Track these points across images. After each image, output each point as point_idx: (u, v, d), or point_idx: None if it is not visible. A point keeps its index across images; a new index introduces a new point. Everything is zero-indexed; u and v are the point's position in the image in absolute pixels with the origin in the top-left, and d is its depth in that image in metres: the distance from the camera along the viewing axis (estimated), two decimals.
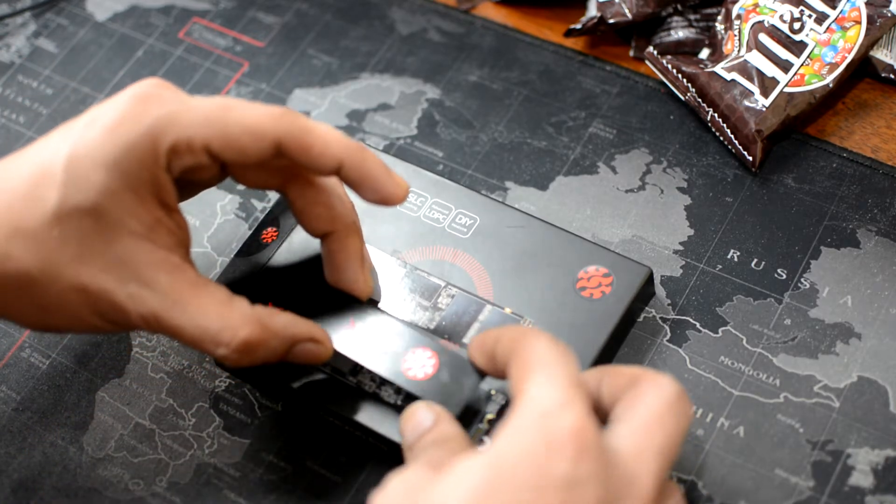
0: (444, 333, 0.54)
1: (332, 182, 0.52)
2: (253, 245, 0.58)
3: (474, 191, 0.59)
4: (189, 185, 0.51)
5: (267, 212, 0.61)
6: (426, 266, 0.57)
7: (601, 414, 0.46)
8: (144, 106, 0.47)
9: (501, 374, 0.48)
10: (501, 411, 0.51)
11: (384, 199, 0.50)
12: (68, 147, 0.47)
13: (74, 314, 0.48)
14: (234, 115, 0.48)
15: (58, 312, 0.48)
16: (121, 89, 0.68)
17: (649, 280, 0.55)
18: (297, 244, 0.57)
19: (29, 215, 0.46)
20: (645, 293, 0.56)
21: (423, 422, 0.48)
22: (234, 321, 0.48)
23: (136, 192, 0.47)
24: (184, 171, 0.48)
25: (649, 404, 0.44)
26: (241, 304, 0.49)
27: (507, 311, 0.55)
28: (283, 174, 0.51)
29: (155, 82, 0.49)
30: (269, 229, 0.59)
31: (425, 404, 0.49)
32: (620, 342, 0.55)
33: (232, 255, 0.60)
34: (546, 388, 0.43)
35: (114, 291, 0.47)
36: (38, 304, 0.48)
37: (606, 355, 0.54)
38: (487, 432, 0.51)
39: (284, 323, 0.50)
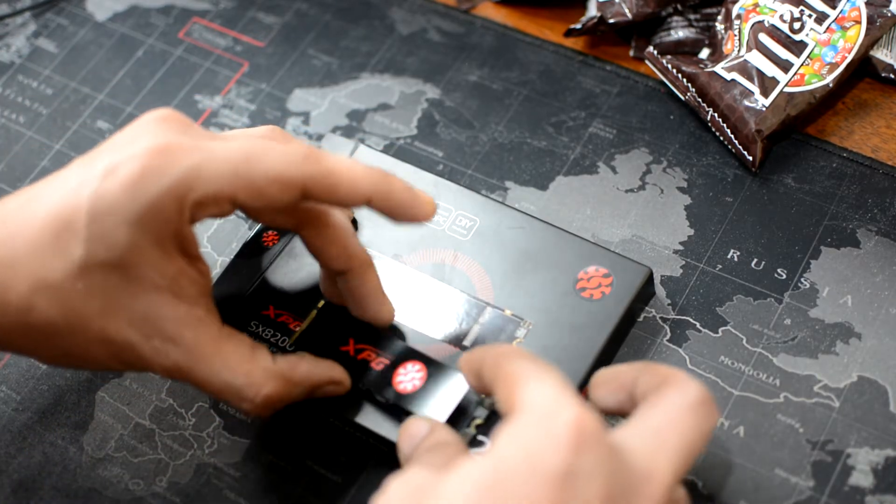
0: (444, 337, 0.54)
1: (346, 222, 0.52)
2: (254, 247, 0.58)
3: (474, 191, 0.59)
4: None
5: None
6: (427, 269, 0.57)
7: (631, 409, 0.47)
8: (166, 159, 0.46)
9: (488, 393, 0.49)
10: (490, 416, 0.51)
11: (414, 221, 0.50)
12: (88, 200, 0.46)
13: (98, 360, 0.48)
14: (259, 165, 0.47)
15: (81, 357, 0.49)
16: (121, 89, 0.69)
17: (649, 280, 0.55)
18: (299, 249, 0.57)
19: (53, 267, 0.46)
20: (645, 293, 0.56)
21: (419, 432, 0.49)
22: (258, 377, 0.49)
23: (160, 246, 0.47)
24: (206, 218, 0.48)
25: (670, 405, 0.45)
26: (264, 358, 0.50)
27: (508, 313, 0.55)
28: (298, 216, 0.51)
29: (167, 122, 0.48)
30: (271, 232, 0.59)
31: (420, 418, 0.50)
32: (620, 342, 0.55)
33: (232, 256, 0.60)
34: (539, 393, 0.44)
35: (138, 345, 0.48)
36: (63, 351, 0.48)
37: (606, 356, 0.54)
38: (475, 437, 0.51)
39: (306, 372, 0.51)
